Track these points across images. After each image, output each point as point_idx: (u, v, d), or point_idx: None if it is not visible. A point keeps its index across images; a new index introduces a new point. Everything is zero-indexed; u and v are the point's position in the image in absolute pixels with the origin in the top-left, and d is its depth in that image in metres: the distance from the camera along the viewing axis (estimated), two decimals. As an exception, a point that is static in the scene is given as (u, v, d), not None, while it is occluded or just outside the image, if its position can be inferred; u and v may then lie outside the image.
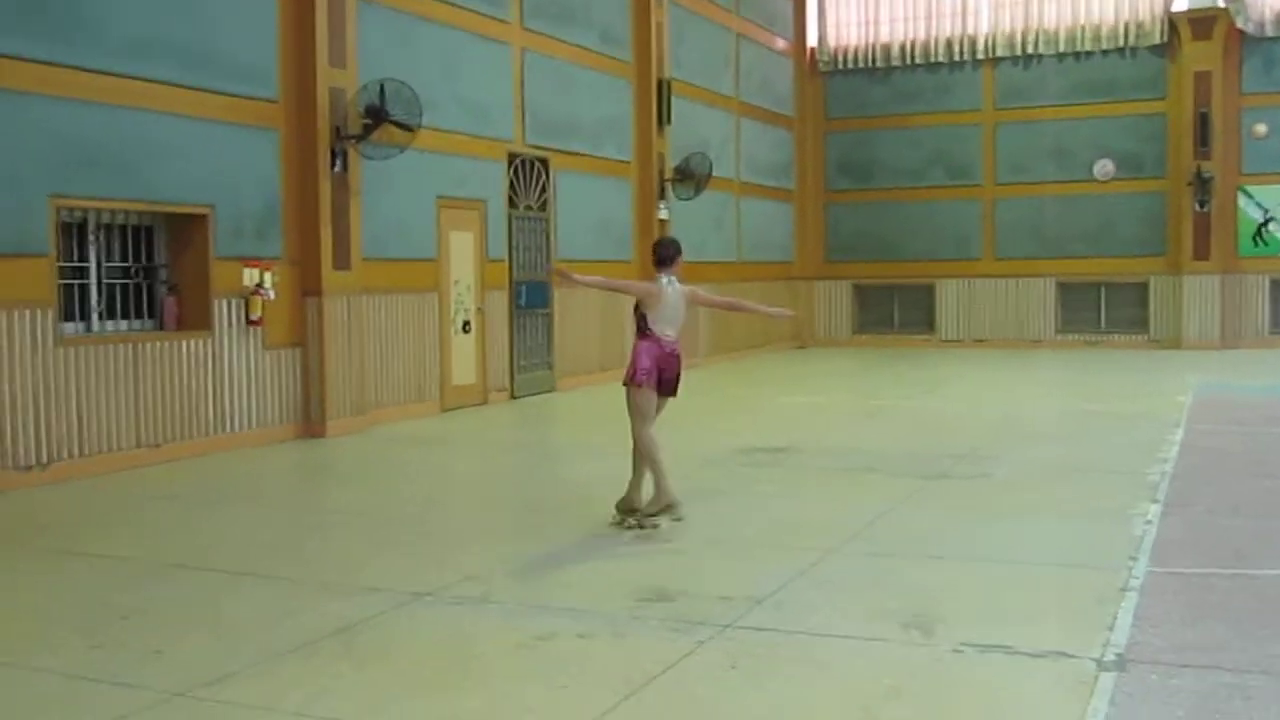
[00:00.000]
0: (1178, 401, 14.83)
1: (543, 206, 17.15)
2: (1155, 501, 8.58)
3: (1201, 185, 23.63)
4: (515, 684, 5.11)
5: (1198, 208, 23.82)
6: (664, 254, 8.10)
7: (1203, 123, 23.78)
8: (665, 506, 7.79)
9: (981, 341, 25.29)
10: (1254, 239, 24.15)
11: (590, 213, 18.29)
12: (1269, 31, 23.88)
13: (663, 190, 19.65)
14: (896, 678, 5.07)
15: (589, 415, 15.09)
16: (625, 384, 7.94)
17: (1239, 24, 23.81)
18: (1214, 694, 4.80)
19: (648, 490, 7.93)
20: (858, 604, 6.14)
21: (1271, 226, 24.03)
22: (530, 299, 16.68)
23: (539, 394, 16.72)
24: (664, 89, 19.60)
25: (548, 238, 17.17)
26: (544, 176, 17.16)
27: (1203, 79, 23.97)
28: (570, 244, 17.53)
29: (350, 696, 4.94)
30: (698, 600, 6.25)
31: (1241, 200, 24.15)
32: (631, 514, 7.95)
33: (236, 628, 5.95)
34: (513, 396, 16.26)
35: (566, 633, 5.73)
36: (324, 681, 5.10)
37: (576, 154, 17.92)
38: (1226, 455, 11.09)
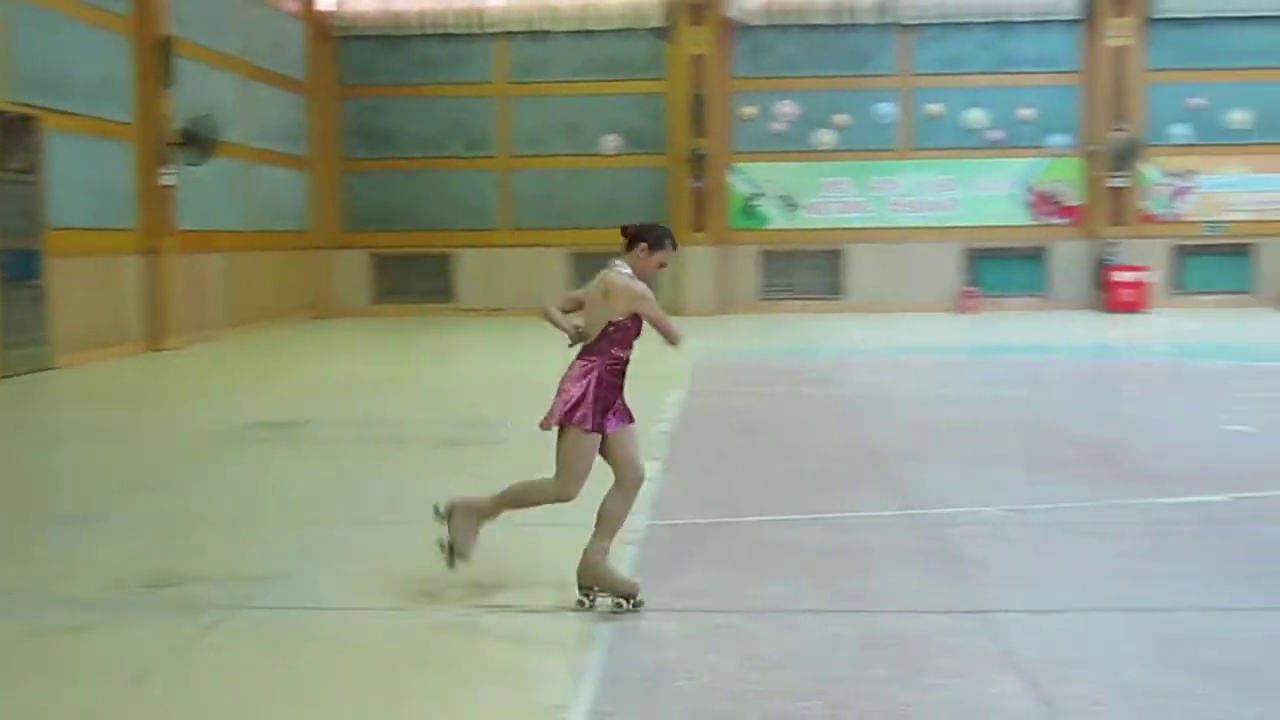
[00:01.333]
0: (679, 365, 15.80)
1: (30, 169, 15.80)
2: (655, 459, 9.12)
3: (697, 162, 25.28)
4: (11, 684, 4.73)
5: (694, 183, 25.47)
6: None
7: (698, 104, 25.41)
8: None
9: (500, 310, 25.82)
10: (744, 212, 26.18)
11: (88, 178, 17.06)
12: (756, 20, 25.85)
13: (167, 155, 18.64)
14: (409, 645, 5.12)
15: (87, 393, 14.14)
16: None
17: (730, 12, 25.63)
18: (702, 634, 5.20)
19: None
20: (368, 576, 6.14)
21: (759, 201, 26.14)
22: (15, 270, 15.32)
23: (33, 372, 15.43)
24: (166, 47, 18.57)
25: (37, 203, 15.85)
26: (31, 137, 15.81)
27: (698, 62, 25.61)
28: (65, 211, 16.28)
29: None
30: (204, 583, 6.04)
31: (732, 177, 26.08)
32: (596, 592, 5.61)
33: None
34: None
35: (64, 625, 5.36)
36: None
37: (69, 114, 16.64)
38: (721, 414, 11.98)
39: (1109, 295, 24.73)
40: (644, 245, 5.75)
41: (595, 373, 5.58)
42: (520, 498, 5.79)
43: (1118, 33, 25.35)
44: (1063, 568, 6.14)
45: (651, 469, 8.70)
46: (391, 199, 26.58)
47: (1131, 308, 24.31)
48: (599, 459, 5.65)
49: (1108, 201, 25.43)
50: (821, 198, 26.18)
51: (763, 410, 12.35)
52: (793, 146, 26.11)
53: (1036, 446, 9.86)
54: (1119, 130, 25.14)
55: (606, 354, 5.64)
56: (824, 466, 9.16)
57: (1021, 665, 4.80)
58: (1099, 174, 25.44)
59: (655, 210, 25.87)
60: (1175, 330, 21.07)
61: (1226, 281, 25.91)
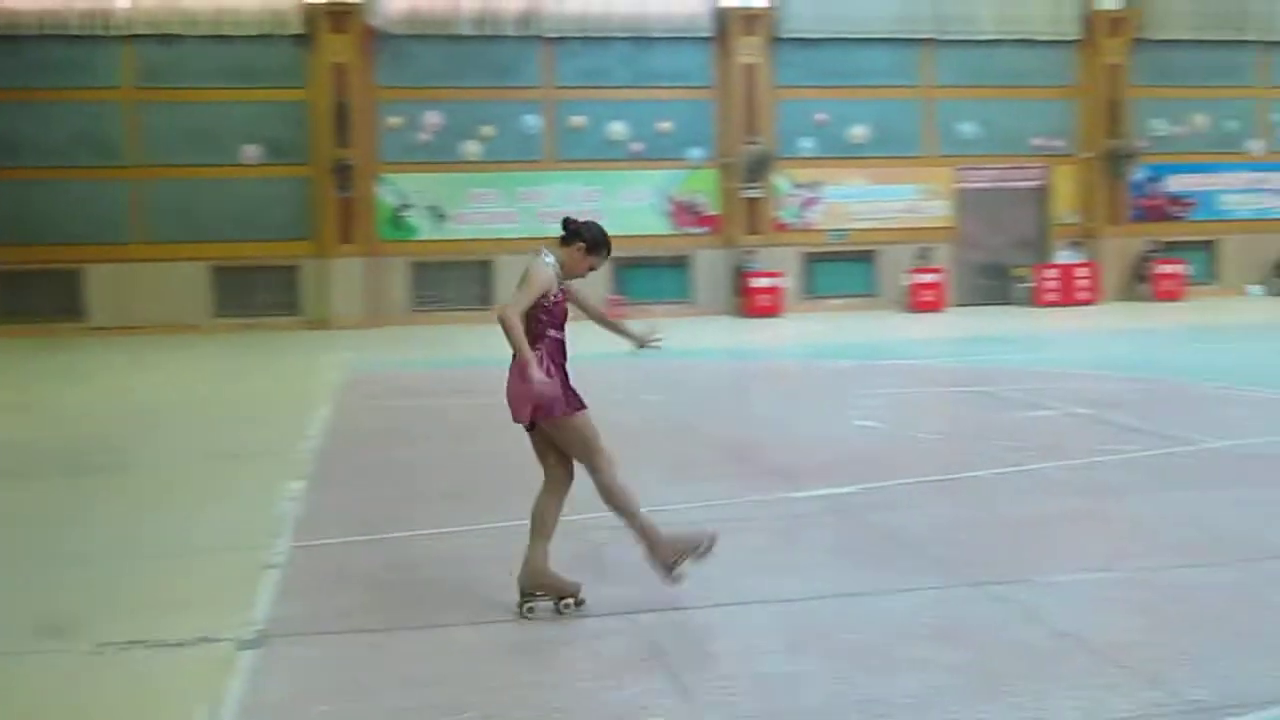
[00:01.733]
0: (328, 380, 15.45)
1: None
2: (301, 479, 8.85)
3: (342, 173, 24.78)
4: None
5: (340, 194, 24.96)
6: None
7: (341, 113, 24.91)
8: (691, 546, 5.66)
9: (136, 328, 24.44)
10: (392, 223, 25.86)
11: None
12: (399, 29, 25.58)
13: None
14: (34, 689, 4.75)
15: None
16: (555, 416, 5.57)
17: (372, 20, 25.25)
18: (350, 656, 5.08)
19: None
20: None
21: (408, 212, 25.88)
22: None
23: None
24: None
25: None
26: None
27: (340, 70, 25.12)
28: None
29: None
30: None
31: (380, 187, 25.72)
32: (538, 596, 5.58)
33: None
34: None
35: None
36: None
37: None
38: (369, 429, 11.76)
39: (747, 301, 25.94)
40: (582, 244, 5.72)
41: (545, 360, 5.53)
42: (628, 505, 5.64)
43: (748, 51, 26.63)
44: (703, 565, 6.34)
45: (295, 489, 8.46)
46: (14, 211, 24.68)
47: (768, 312, 25.59)
48: (531, 453, 5.72)
49: (743, 211, 26.68)
50: (470, 209, 26.21)
51: (412, 423, 12.20)
52: (440, 157, 26.03)
53: (677, 448, 10.17)
54: (752, 143, 26.41)
55: (544, 339, 5.60)
56: (473, 477, 9.14)
57: (667, 662, 4.93)
58: (734, 185, 26.65)
59: (300, 221, 25.22)
60: (808, 333, 22.30)
61: (853, 286, 27.70)
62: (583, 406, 5.63)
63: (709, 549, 5.67)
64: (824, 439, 10.55)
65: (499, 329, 5.38)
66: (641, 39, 26.63)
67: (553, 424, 5.58)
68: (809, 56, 27.17)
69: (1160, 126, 28.89)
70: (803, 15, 26.90)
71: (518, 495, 8.27)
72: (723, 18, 26.67)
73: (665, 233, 26.93)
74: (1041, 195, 28.60)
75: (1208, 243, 29.46)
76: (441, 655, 5.10)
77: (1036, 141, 28.34)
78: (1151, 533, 6.93)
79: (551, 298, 5.59)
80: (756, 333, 22.55)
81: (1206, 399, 12.70)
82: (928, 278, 26.73)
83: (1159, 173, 28.91)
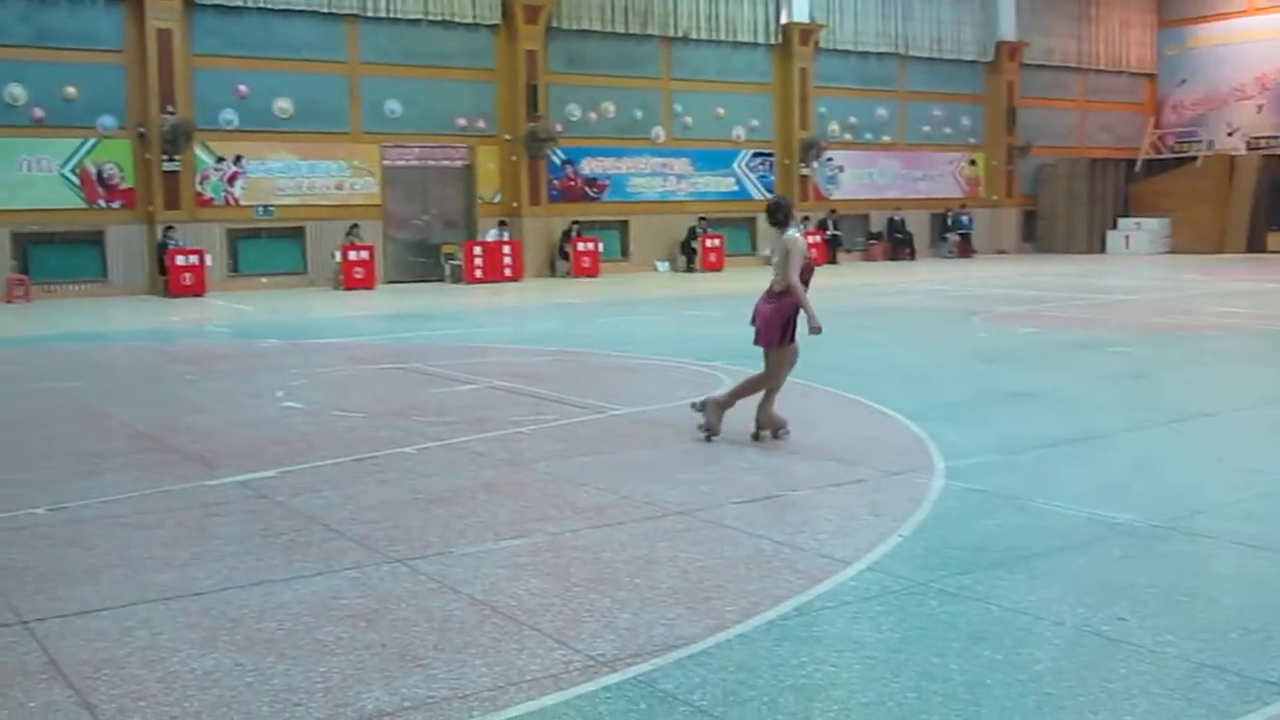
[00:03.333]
0: None
1: None
2: None
3: None
4: None
5: None
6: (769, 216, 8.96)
7: None
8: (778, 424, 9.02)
9: None
10: None
11: None
12: None
13: None
14: None
15: None
16: None
17: None
18: None
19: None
20: None
21: None
22: None
23: None
24: None
25: None
26: None
27: None
28: None
29: None
30: None
31: None
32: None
33: None
34: None
35: None
36: None
37: None
38: None
39: (170, 279, 24.67)
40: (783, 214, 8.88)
41: (785, 309, 8.67)
42: (744, 390, 8.93)
43: (162, 15, 25.22)
44: (108, 564, 5.95)
45: None
46: None
47: (192, 292, 24.51)
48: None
49: (162, 185, 25.31)
50: None
51: None
52: None
53: (84, 439, 9.47)
54: (169, 113, 25.09)
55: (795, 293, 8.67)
56: None
57: (67, 673, 4.55)
58: (152, 157, 25.21)
59: None
60: (234, 313, 21.55)
61: (281, 263, 27.13)
62: (788, 344, 8.76)
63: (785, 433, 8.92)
64: (246, 422, 10.22)
65: None
66: (44, -3, 24.50)
67: (771, 350, 8.77)
68: (228, 25, 26.20)
69: (575, 112, 30.55)
70: (220, -18, 25.89)
71: None
72: (134, -23, 25.10)
73: (75, 207, 25.00)
74: (467, 175, 29.38)
75: (621, 222, 31.58)
76: None
77: (461, 122, 29.05)
78: (564, 498, 7.29)
79: (806, 259, 8.68)
80: (180, 313, 21.48)
81: (615, 368, 13.57)
82: (358, 255, 26.67)
83: (574, 156, 30.58)
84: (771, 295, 8.77)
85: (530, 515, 6.89)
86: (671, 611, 5.17)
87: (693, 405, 9.07)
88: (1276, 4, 39.28)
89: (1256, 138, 39.52)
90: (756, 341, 8.86)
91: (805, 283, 8.65)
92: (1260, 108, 40.03)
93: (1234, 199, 36.25)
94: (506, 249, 28.50)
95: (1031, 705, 4.18)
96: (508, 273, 28.23)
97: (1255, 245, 35.31)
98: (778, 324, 8.66)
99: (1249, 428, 9.59)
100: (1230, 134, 40.30)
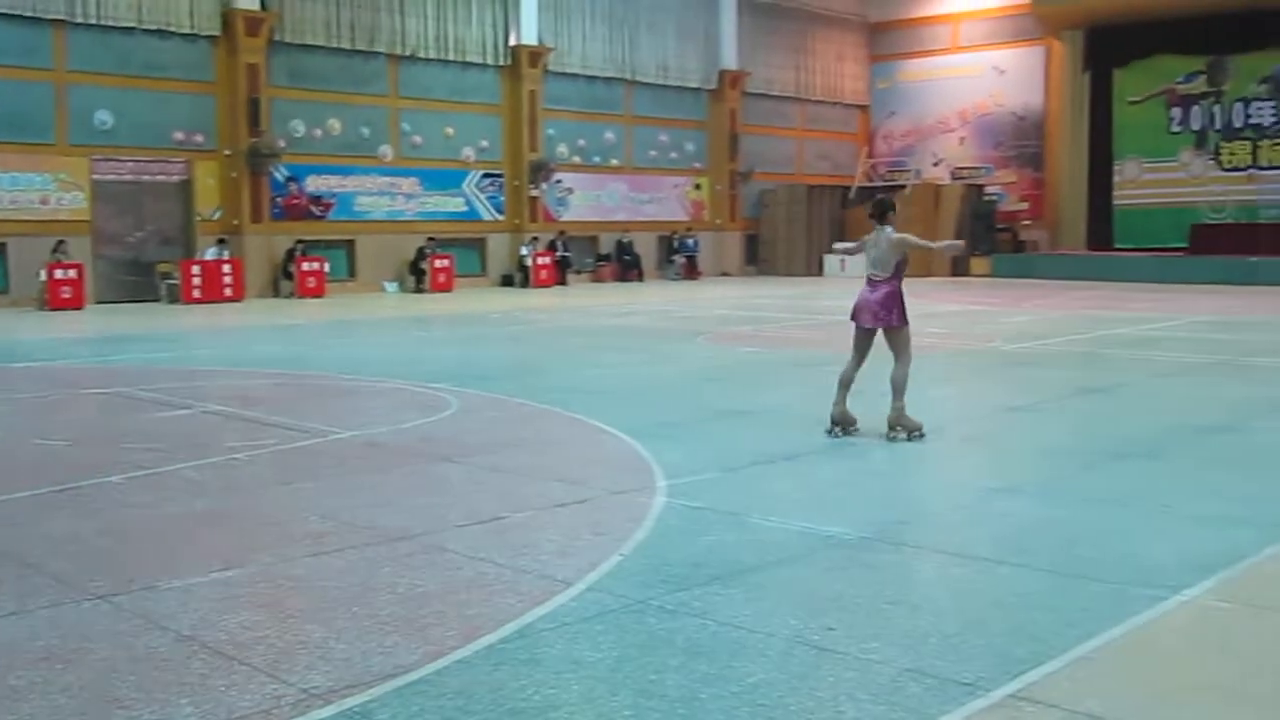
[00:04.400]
0: None
1: None
2: None
3: None
4: None
5: None
6: (872, 211, 9.79)
7: None
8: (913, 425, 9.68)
9: None
10: None
11: None
12: None
13: None
14: None
15: None
16: None
17: None
18: None
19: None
20: None
21: None
22: None
23: None
24: None
25: None
26: None
27: None
28: None
29: None
30: None
31: None
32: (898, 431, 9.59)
33: None
34: None
35: None
36: None
37: None
38: None
39: None
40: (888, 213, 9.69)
41: (895, 291, 9.53)
42: (901, 388, 9.51)
43: None
44: None
45: None
46: None
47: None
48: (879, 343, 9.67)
49: None
50: None
51: None
52: None
53: None
54: None
55: (899, 278, 9.55)
56: None
57: None
58: None
59: None
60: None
61: (-22, 282, 25.38)
62: (907, 323, 9.58)
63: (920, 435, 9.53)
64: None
65: None
66: None
67: (892, 330, 9.57)
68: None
69: (298, 128, 29.78)
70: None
71: None
72: None
73: None
74: (184, 190, 28.22)
75: (348, 242, 30.95)
76: None
77: (178, 135, 27.90)
78: (280, 526, 7.06)
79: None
80: None
81: (340, 391, 13.26)
82: (65, 274, 25.22)
83: (299, 173, 29.82)
84: (874, 284, 9.57)
85: (244, 545, 6.64)
86: (389, 640, 5.08)
87: (829, 433, 9.71)
88: (977, 43, 41.94)
89: (960, 168, 42.09)
90: (876, 325, 9.59)
91: (900, 273, 9.57)
92: (962, 140, 42.60)
93: (939, 225, 38.33)
94: (227, 268, 27.48)
95: (745, 716, 4.29)
96: (228, 293, 27.22)
97: (959, 269, 37.46)
98: (896, 304, 9.47)
99: (955, 442, 10.14)
100: (936, 164, 42.74)
